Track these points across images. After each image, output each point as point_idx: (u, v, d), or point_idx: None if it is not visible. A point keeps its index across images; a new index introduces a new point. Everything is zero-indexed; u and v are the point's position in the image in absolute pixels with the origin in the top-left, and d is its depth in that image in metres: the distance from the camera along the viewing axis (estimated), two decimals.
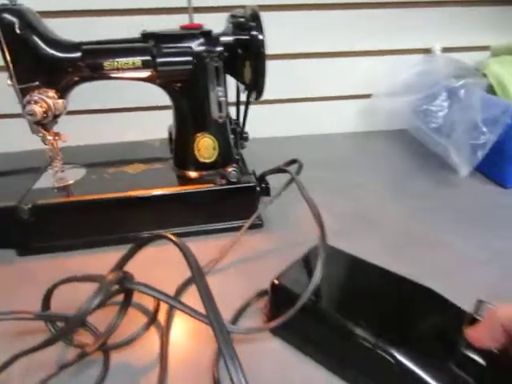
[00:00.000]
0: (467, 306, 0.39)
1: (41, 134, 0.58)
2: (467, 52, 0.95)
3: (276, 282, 0.44)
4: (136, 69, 0.56)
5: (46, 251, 0.58)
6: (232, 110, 0.71)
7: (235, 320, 0.46)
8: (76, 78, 0.57)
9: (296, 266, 0.46)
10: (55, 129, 0.60)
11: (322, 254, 0.42)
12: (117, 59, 0.55)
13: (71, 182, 0.62)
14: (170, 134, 0.68)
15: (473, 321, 0.35)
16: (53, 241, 0.58)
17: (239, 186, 0.61)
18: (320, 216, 0.47)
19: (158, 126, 0.72)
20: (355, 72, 0.96)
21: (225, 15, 0.64)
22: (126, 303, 0.41)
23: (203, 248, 0.58)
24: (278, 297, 0.44)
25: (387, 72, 0.91)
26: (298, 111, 0.97)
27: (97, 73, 0.56)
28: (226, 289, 0.51)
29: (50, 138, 0.59)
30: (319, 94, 0.97)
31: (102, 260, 0.55)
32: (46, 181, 0.62)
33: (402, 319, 0.39)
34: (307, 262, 0.47)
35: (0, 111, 0.85)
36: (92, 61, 0.55)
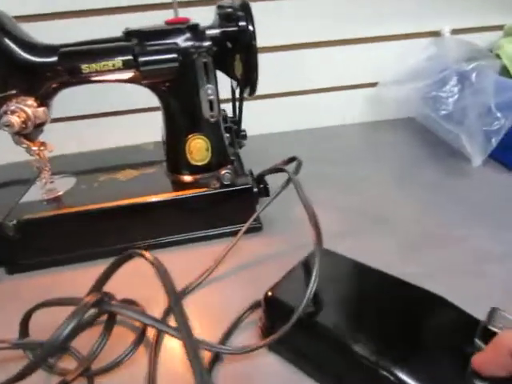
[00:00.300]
0: (482, 307, 0.35)
1: (24, 145, 0.55)
2: (478, 33, 0.90)
3: (269, 293, 0.41)
4: (117, 70, 0.53)
5: (35, 268, 0.55)
6: (228, 108, 0.68)
7: (229, 334, 0.43)
8: (55, 84, 0.54)
9: (292, 274, 0.43)
10: (41, 138, 0.57)
11: (317, 264, 0.38)
12: (95, 61, 0.52)
13: (61, 192, 0.59)
14: (163, 136, 0.65)
15: (485, 331, 0.32)
16: (42, 257, 0.56)
17: (234, 188, 0.58)
18: (316, 217, 0.42)
19: (150, 128, 0.68)
20: (360, 60, 0.91)
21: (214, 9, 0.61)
22: (110, 325, 0.39)
23: (200, 256, 0.55)
24: (272, 310, 0.41)
25: (394, 58, 0.87)
26: (300, 104, 0.93)
27: (76, 77, 0.53)
28: (223, 299, 0.48)
29: (34, 148, 0.56)
30: (321, 85, 0.92)
31: (94, 274, 0.52)
32: (34, 193, 0.60)
33: (406, 332, 0.36)
34: (305, 270, 0.43)
35: None
36: (69, 64, 0.52)
